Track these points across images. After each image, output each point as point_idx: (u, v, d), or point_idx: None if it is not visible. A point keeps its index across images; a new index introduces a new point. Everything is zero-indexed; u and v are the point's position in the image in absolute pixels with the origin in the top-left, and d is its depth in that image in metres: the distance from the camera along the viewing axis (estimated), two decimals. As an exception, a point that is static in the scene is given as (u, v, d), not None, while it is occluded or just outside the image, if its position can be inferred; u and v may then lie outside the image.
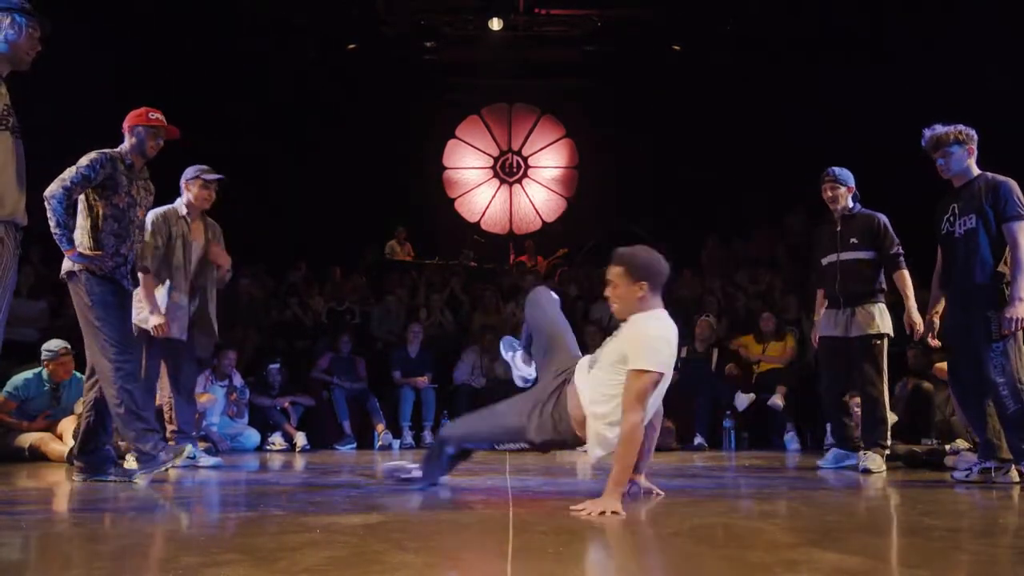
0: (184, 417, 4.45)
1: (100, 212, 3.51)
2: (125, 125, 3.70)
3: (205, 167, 4.44)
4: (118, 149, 3.64)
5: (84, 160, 3.46)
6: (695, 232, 9.66)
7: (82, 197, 3.51)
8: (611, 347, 2.75)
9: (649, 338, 2.62)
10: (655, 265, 2.75)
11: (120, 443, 4.43)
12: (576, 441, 2.81)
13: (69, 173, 3.39)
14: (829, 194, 4.36)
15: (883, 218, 4.29)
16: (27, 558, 1.94)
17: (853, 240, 4.28)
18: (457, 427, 2.87)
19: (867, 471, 4.08)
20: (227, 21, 9.07)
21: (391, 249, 10.38)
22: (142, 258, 4.15)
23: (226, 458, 5.12)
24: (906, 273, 4.20)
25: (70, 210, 3.41)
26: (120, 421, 3.42)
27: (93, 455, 3.64)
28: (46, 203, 3.33)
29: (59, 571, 1.75)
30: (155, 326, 4.11)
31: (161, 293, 4.21)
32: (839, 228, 4.36)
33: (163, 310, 4.16)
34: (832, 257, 4.35)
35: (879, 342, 4.22)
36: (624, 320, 2.76)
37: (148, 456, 3.42)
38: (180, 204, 4.39)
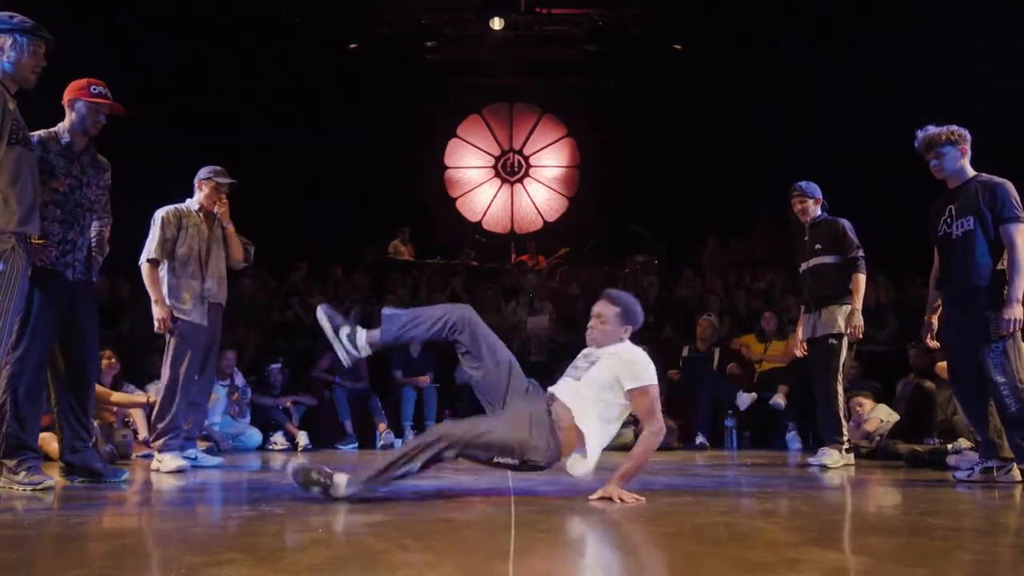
0: (196, 419, 4.45)
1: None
2: (65, 99, 3.40)
3: (219, 169, 4.38)
4: (53, 129, 3.37)
5: None
6: (696, 231, 9.64)
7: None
8: (596, 373, 2.93)
9: (642, 360, 2.93)
10: (640, 316, 3.12)
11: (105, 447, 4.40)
12: (554, 460, 2.89)
13: None
14: (798, 207, 4.66)
15: (844, 223, 4.53)
16: (28, 558, 1.92)
17: (818, 246, 4.55)
18: (461, 432, 2.81)
19: (823, 467, 4.31)
20: (227, 21, 9.05)
21: (394, 249, 10.36)
22: (148, 251, 4.13)
23: (228, 458, 5.13)
24: (862, 277, 4.43)
25: None
26: None
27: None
28: None
29: (60, 571, 1.73)
30: (159, 319, 4.11)
31: (195, 287, 4.20)
32: (807, 237, 4.62)
33: (190, 302, 4.15)
34: (804, 265, 4.63)
35: (835, 341, 4.44)
36: (597, 347, 3.02)
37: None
38: (192, 202, 4.35)
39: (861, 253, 4.45)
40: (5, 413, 3.17)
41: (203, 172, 4.39)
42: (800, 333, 4.71)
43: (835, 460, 4.35)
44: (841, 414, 4.44)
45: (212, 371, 4.49)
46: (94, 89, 3.39)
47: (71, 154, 3.37)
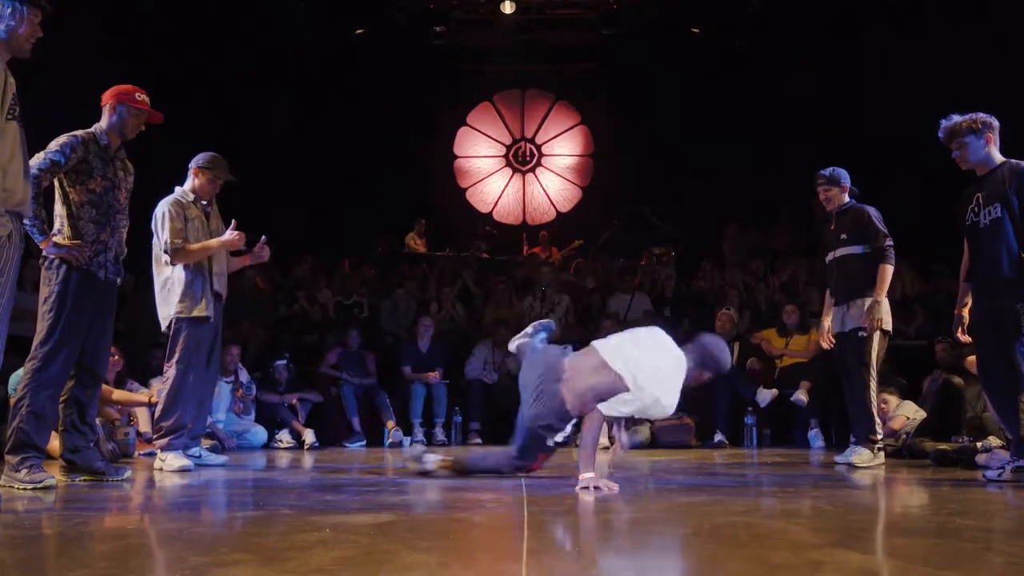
0: (200, 416, 4.43)
1: (76, 199, 3.36)
2: (106, 100, 3.49)
3: (218, 159, 4.29)
4: (91, 129, 3.45)
5: (53, 144, 3.30)
6: (716, 221, 9.44)
7: (56, 184, 3.36)
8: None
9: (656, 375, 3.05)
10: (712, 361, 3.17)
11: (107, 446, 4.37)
12: (563, 415, 3.16)
13: (36, 159, 3.22)
14: (822, 196, 4.51)
15: (871, 211, 4.36)
16: (32, 557, 1.91)
17: (843, 236, 4.40)
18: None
19: (851, 466, 4.15)
20: (233, 6, 8.91)
21: (412, 240, 10.24)
22: (171, 239, 4.06)
23: (233, 456, 5.11)
24: (888, 267, 4.27)
25: (40, 199, 3.25)
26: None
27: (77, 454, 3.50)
28: None
29: (64, 571, 1.73)
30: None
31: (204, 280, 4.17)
32: (833, 226, 4.48)
33: (203, 302, 4.13)
34: (830, 255, 4.49)
35: (864, 334, 4.28)
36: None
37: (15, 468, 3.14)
38: (183, 190, 4.24)
39: (889, 243, 4.27)
40: (22, 408, 3.19)
41: (200, 160, 4.28)
42: (826, 324, 4.55)
43: (866, 459, 4.19)
44: (874, 410, 4.30)
45: (216, 366, 4.43)
46: (139, 96, 3.50)
47: (107, 156, 3.45)
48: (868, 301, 4.25)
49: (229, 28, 9.17)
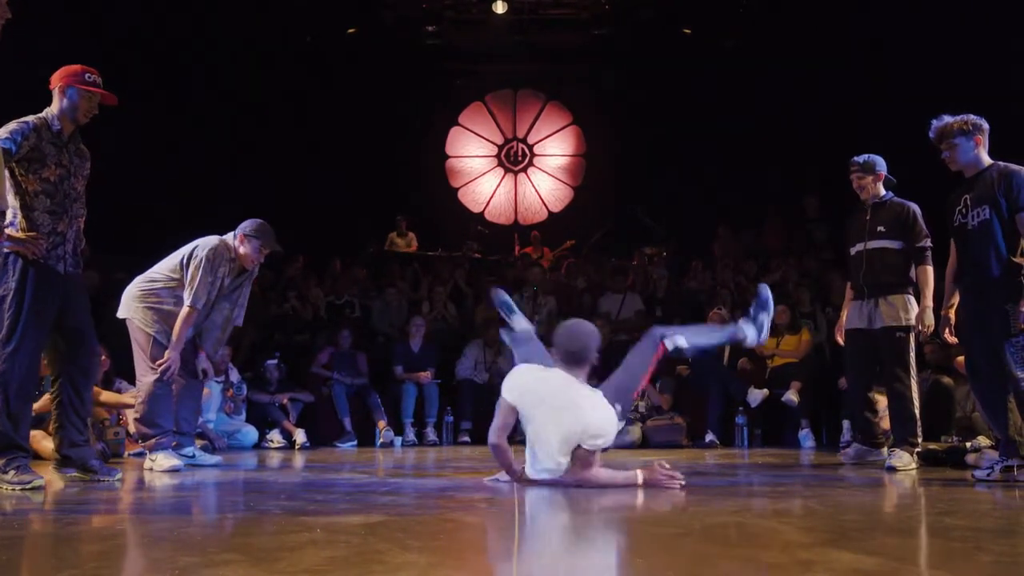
0: (191, 416, 4.42)
1: (29, 188, 3.15)
2: (55, 83, 3.27)
3: (266, 228, 4.25)
4: (42, 114, 3.24)
5: (2, 131, 3.08)
6: (707, 222, 9.46)
7: (8, 173, 3.13)
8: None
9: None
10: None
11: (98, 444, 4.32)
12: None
13: None
14: (856, 184, 4.32)
15: (915, 208, 4.20)
16: (20, 558, 1.89)
17: (881, 228, 4.21)
18: None
19: (892, 469, 3.98)
20: (222, 2, 8.85)
21: (391, 241, 10.20)
22: (196, 298, 4.02)
23: (223, 456, 5.07)
24: (930, 269, 4.10)
25: None
26: None
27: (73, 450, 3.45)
28: None
29: (53, 571, 1.71)
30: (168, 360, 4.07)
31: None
32: (868, 216, 4.29)
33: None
34: (860, 246, 4.28)
35: (903, 335, 4.12)
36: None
37: None
38: (227, 245, 4.19)
39: (929, 243, 4.09)
40: None
41: (248, 227, 4.23)
42: (844, 319, 4.41)
43: (906, 463, 4.00)
44: (917, 412, 4.12)
45: (194, 365, 4.37)
46: (88, 77, 3.27)
47: (60, 142, 3.26)
48: (902, 299, 4.10)
49: (223, 29, 9.10)
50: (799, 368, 6.27)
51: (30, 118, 3.18)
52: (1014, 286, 3.31)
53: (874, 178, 4.25)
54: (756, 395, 6.21)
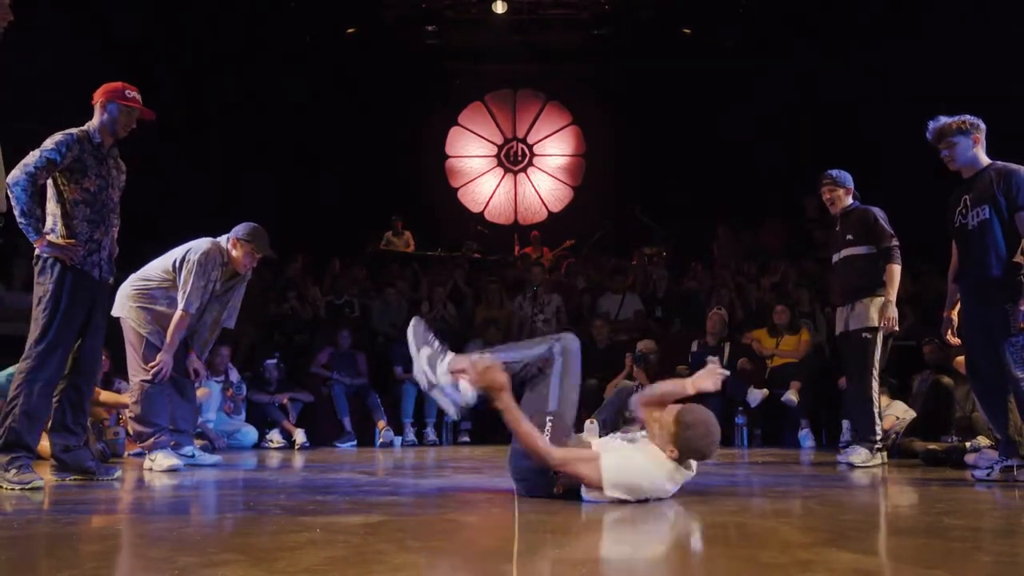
0: (190, 416, 4.44)
1: (70, 197, 3.33)
2: (97, 98, 3.47)
3: (259, 232, 4.28)
4: (84, 127, 3.43)
5: (48, 142, 3.27)
6: (707, 222, 9.46)
7: (50, 182, 3.33)
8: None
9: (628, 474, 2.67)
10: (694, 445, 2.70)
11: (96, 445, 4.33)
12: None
13: (32, 157, 3.21)
14: (827, 196, 4.53)
15: (876, 211, 4.37)
16: (20, 559, 1.89)
17: (849, 236, 4.41)
18: None
19: (851, 465, 4.18)
20: (220, 4, 8.84)
21: (387, 240, 10.19)
22: (188, 302, 4.06)
23: (223, 456, 5.07)
24: (896, 267, 4.27)
25: (35, 197, 3.24)
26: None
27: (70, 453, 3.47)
28: (8, 191, 3.15)
29: (52, 571, 1.71)
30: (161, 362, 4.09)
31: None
32: (838, 227, 4.51)
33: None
34: (836, 256, 4.51)
35: (868, 335, 4.28)
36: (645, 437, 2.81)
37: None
38: (221, 248, 4.22)
39: (895, 243, 4.28)
40: (14, 407, 3.17)
41: (241, 231, 4.27)
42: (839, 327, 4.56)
43: (864, 459, 4.20)
44: (876, 411, 4.30)
45: (185, 364, 4.37)
46: (128, 93, 3.48)
47: (100, 154, 3.43)
48: (873, 301, 4.26)
49: (222, 29, 9.10)
50: (799, 368, 6.28)
51: (73, 130, 3.35)
52: (1014, 286, 3.33)
53: (844, 191, 4.46)
54: (756, 395, 6.20)
